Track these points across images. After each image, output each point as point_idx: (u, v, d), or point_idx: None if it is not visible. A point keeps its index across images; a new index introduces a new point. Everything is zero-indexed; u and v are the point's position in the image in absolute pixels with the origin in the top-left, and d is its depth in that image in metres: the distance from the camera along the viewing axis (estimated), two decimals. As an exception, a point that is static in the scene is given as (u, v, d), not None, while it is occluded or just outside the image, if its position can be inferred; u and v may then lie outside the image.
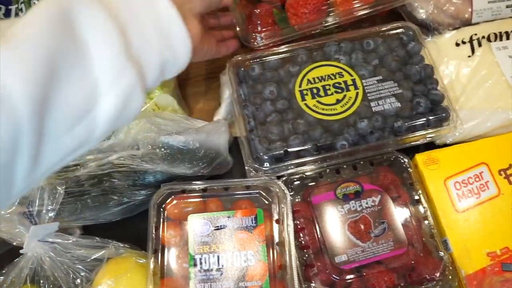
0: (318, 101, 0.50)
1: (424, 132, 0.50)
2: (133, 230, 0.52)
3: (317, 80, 0.52)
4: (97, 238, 0.50)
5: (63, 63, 0.30)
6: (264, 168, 0.48)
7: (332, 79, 0.52)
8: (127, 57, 0.33)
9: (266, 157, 0.48)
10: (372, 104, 0.50)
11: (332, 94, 0.51)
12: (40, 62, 0.29)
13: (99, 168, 0.52)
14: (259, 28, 0.54)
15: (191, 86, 0.62)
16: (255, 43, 0.53)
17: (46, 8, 0.31)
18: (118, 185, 0.51)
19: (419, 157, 0.52)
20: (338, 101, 0.50)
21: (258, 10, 0.54)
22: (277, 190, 0.48)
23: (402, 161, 0.51)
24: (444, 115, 0.51)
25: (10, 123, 0.27)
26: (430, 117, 0.50)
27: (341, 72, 0.52)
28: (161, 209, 0.48)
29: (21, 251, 0.48)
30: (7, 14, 0.58)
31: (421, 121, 0.50)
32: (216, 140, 0.52)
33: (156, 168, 0.50)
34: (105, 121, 0.33)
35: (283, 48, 0.54)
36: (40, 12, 0.31)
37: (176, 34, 0.38)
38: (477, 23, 0.58)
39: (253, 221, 0.46)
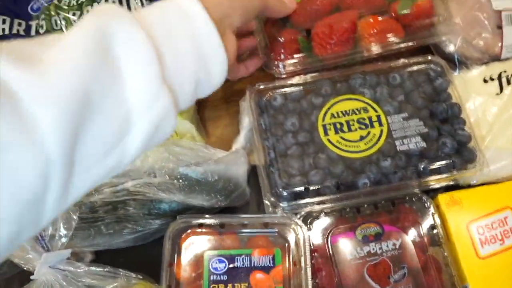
0: (341, 137, 0.49)
1: (449, 175, 0.49)
2: (146, 257, 0.51)
3: (341, 115, 0.50)
4: (108, 266, 0.49)
5: (97, 92, 0.29)
6: (282, 205, 0.47)
7: (356, 114, 0.50)
8: (162, 81, 0.32)
9: (286, 193, 0.47)
10: (397, 142, 0.49)
11: (356, 130, 0.49)
12: (74, 94, 0.27)
13: (114, 195, 0.51)
14: (283, 56, 0.52)
15: (210, 110, 0.61)
16: (278, 71, 0.52)
17: (82, 32, 0.30)
18: (133, 213, 0.50)
19: (442, 198, 0.50)
20: (362, 138, 0.49)
21: (283, 38, 0.52)
22: (296, 229, 0.46)
23: (424, 202, 0.50)
24: (470, 157, 0.49)
25: (40, 160, 0.26)
26: (456, 159, 0.49)
27: (366, 107, 0.51)
28: (177, 243, 0.47)
29: (31, 277, 0.47)
30: (27, 31, 0.57)
31: (446, 162, 0.49)
32: (235, 171, 0.51)
33: (173, 198, 0.49)
34: (136, 147, 0.32)
35: (306, 79, 0.53)
36: (76, 36, 0.30)
37: (213, 55, 0.36)
38: (507, 59, 0.56)
39: (271, 262, 0.45)
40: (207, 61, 0.36)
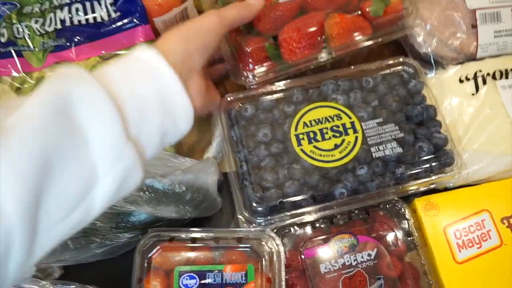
0: (315, 146, 0.48)
1: (427, 180, 0.48)
2: (117, 271, 0.50)
3: (313, 123, 0.49)
4: (76, 283, 0.47)
5: (59, 156, 0.29)
6: (257, 220, 0.46)
7: (330, 122, 0.49)
8: (126, 139, 0.32)
9: (260, 209, 0.46)
10: (373, 149, 0.48)
11: (330, 138, 0.48)
12: (33, 162, 0.28)
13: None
14: (251, 66, 0.50)
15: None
16: (247, 81, 0.50)
17: (42, 98, 0.30)
18: (100, 227, 0.49)
19: (418, 202, 0.50)
20: (336, 146, 0.48)
21: (249, 48, 0.49)
22: (270, 243, 0.45)
23: (399, 208, 0.49)
24: (448, 160, 0.49)
25: (1, 230, 0.26)
26: (433, 163, 0.48)
27: (339, 114, 0.49)
28: (147, 258, 0.46)
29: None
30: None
31: (424, 167, 0.48)
32: (205, 181, 0.50)
33: (141, 210, 0.48)
34: (101, 203, 0.32)
35: (277, 87, 0.51)
36: (36, 102, 0.30)
37: (178, 106, 0.37)
38: (482, 58, 0.56)
39: (243, 278, 0.44)
40: (173, 113, 0.36)
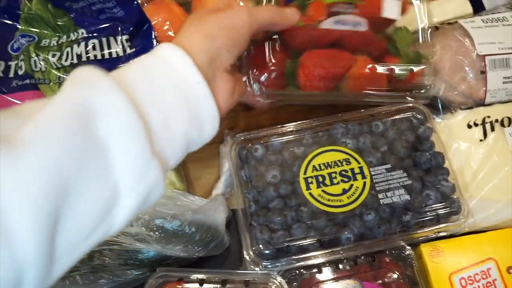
0: (323, 191, 0.48)
1: (433, 228, 0.48)
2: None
3: (323, 167, 0.50)
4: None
5: (79, 176, 0.27)
6: (264, 263, 0.46)
7: (338, 166, 0.50)
8: (151, 154, 0.30)
9: (267, 251, 0.46)
10: (380, 195, 0.48)
11: (338, 183, 0.49)
12: (51, 182, 0.25)
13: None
14: (263, 78, 0.48)
15: (191, 152, 0.60)
16: (251, 89, 0.48)
17: (62, 105, 0.28)
18: (109, 263, 0.49)
19: (424, 248, 0.50)
20: (344, 191, 0.48)
21: (272, 56, 0.47)
22: (277, 286, 0.46)
23: (405, 254, 0.49)
24: (455, 209, 0.49)
25: (15, 262, 0.24)
26: (440, 211, 0.49)
27: (348, 159, 0.50)
28: (155, 298, 0.46)
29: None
30: (5, 71, 0.56)
31: (431, 215, 0.48)
32: (214, 219, 0.50)
33: (149, 248, 0.48)
34: (121, 222, 0.30)
35: (287, 128, 0.52)
36: (54, 110, 0.28)
37: (205, 113, 0.35)
38: (491, 104, 0.56)
39: (251, 323, 0.44)
40: (199, 121, 0.34)
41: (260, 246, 0.47)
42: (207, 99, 0.35)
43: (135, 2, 0.54)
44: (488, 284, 0.49)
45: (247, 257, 0.47)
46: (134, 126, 0.29)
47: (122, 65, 0.55)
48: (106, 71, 0.31)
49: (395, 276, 0.48)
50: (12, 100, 0.54)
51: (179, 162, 0.35)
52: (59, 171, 0.26)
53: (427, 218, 0.48)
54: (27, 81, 0.55)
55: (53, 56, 0.56)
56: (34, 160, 0.25)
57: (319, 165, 0.50)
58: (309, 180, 0.49)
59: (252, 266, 0.47)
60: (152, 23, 0.55)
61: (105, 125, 0.28)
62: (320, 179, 0.49)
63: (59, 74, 0.55)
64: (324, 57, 0.48)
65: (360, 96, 0.51)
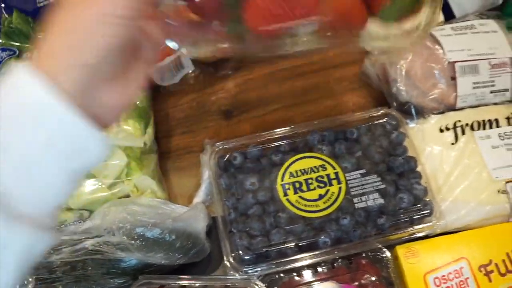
0: (300, 197, 0.50)
1: (407, 230, 0.50)
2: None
3: (299, 173, 0.51)
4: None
5: None
6: (244, 268, 0.47)
7: (315, 172, 0.51)
8: (11, 221, 0.26)
9: (247, 257, 0.47)
10: (355, 200, 0.50)
11: (314, 189, 0.50)
12: None
13: (73, 255, 0.51)
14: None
15: (172, 161, 0.61)
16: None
17: None
18: (91, 273, 0.50)
19: (400, 250, 0.52)
20: (321, 197, 0.50)
21: None
22: (257, 291, 0.47)
23: (381, 255, 0.51)
24: (427, 211, 0.51)
25: None
26: (413, 213, 0.50)
27: (324, 165, 0.52)
28: (137, 306, 0.47)
29: None
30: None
31: (404, 217, 0.50)
32: (194, 227, 0.52)
33: (131, 256, 0.49)
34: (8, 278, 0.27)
35: (265, 136, 0.54)
36: None
37: (85, 144, 0.29)
38: (462, 108, 0.58)
39: (230, 327, 0.45)
40: (79, 153, 0.29)
41: (240, 252, 0.48)
42: (85, 130, 0.28)
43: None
44: (461, 283, 0.51)
45: (228, 263, 0.48)
46: None
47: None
48: None
49: (372, 277, 0.50)
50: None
51: (69, 193, 0.31)
52: None
53: (401, 221, 0.50)
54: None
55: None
56: None
57: (296, 171, 0.51)
58: (287, 186, 0.50)
59: (232, 272, 0.48)
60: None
61: None
62: (297, 185, 0.51)
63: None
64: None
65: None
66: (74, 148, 0.28)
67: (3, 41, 0.58)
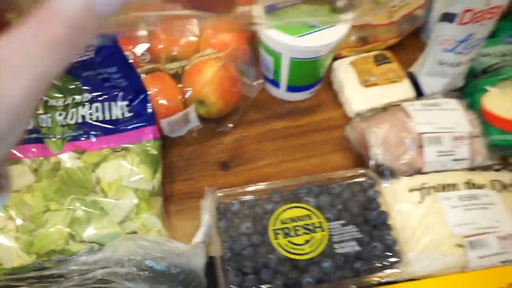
0: (289, 241, 0.58)
1: (379, 274, 0.58)
2: None
3: (289, 221, 0.59)
4: None
5: None
6: (237, 302, 0.54)
7: (302, 221, 0.59)
8: None
9: (240, 292, 0.54)
10: (336, 246, 0.58)
11: (301, 234, 0.58)
12: None
13: (83, 282, 0.56)
14: None
15: (175, 204, 0.68)
16: None
17: None
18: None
19: (373, 294, 0.59)
20: (306, 242, 0.58)
21: None
22: (247, 323, 0.53)
23: (357, 299, 0.58)
24: (396, 258, 0.59)
25: None
26: (385, 260, 0.58)
27: (310, 215, 0.60)
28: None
29: None
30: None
31: (377, 263, 0.58)
32: (195, 263, 0.58)
33: (138, 287, 0.55)
34: None
35: (260, 187, 0.62)
36: None
37: None
38: (428, 173, 0.68)
39: None
40: None
41: (233, 286, 0.55)
42: None
43: (137, 75, 0.64)
44: (424, 325, 0.58)
45: (222, 298, 0.55)
46: None
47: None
48: None
49: (347, 316, 0.57)
50: (17, 152, 0.62)
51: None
52: None
53: (374, 266, 0.58)
54: (34, 135, 0.63)
55: (60, 115, 0.64)
56: None
57: (286, 219, 0.59)
58: (277, 231, 0.58)
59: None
60: (148, 92, 0.65)
61: None
62: (287, 231, 0.58)
63: (63, 130, 0.64)
64: None
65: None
66: None
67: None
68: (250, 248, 0.57)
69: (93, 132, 0.64)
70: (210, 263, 0.61)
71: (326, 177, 0.64)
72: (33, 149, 0.63)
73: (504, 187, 0.69)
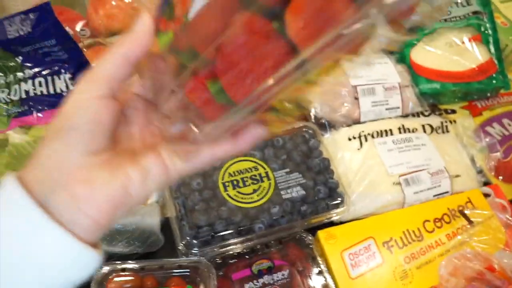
0: (238, 191, 0.61)
1: (325, 214, 0.62)
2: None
3: (236, 173, 0.62)
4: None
5: None
6: (193, 251, 0.57)
7: (249, 172, 0.63)
8: None
9: (195, 242, 0.57)
10: (282, 192, 0.62)
11: (249, 185, 0.62)
12: None
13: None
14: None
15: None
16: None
17: None
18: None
19: (321, 234, 0.64)
20: (254, 191, 0.61)
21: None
22: (204, 269, 0.56)
23: (306, 238, 0.62)
24: (339, 199, 0.64)
25: None
26: (329, 202, 0.63)
27: (257, 166, 0.63)
28: (103, 286, 0.55)
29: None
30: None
31: (322, 205, 0.63)
32: (150, 221, 0.60)
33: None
34: None
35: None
36: None
37: (64, 259, 0.28)
38: (364, 122, 0.73)
39: (184, 298, 0.54)
40: (60, 269, 0.28)
41: (188, 238, 0.58)
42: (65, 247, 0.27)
43: (77, 47, 0.65)
44: (369, 256, 0.63)
45: (180, 247, 0.58)
46: None
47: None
48: None
49: (298, 255, 0.61)
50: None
51: None
52: None
53: (319, 207, 0.62)
54: (-23, 114, 0.63)
55: (2, 92, 0.65)
56: None
57: (234, 172, 0.62)
58: (226, 184, 0.61)
59: (184, 256, 0.58)
60: (92, 65, 0.66)
61: None
62: (235, 182, 0.62)
63: (7, 107, 0.64)
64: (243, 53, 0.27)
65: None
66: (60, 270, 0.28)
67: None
68: (202, 203, 0.60)
69: (39, 107, 0.64)
70: (167, 223, 0.63)
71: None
72: (-23, 128, 0.63)
73: (433, 129, 0.75)
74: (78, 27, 0.73)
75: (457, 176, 0.71)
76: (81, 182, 0.28)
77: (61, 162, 0.28)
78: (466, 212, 0.68)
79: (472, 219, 0.67)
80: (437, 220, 0.67)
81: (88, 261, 0.28)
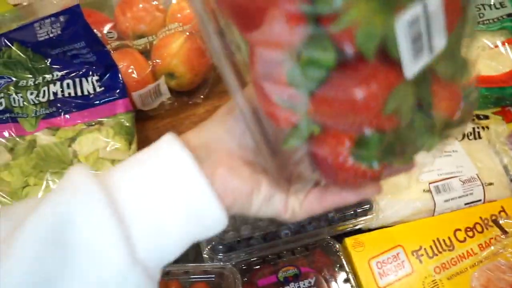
0: (264, 196, 0.60)
1: (353, 221, 0.61)
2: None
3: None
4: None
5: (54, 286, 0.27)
6: (219, 257, 0.56)
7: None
8: (130, 263, 0.28)
9: (220, 247, 0.56)
10: (309, 198, 0.61)
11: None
12: None
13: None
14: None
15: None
16: None
17: (43, 215, 0.28)
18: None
19: (348, 241, 0.62)
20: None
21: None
22: (230, 275, 0.55)
23: (333, 245, 0.61)
24: (368, 206, 0.62)
25: None
26: (357, 208, 0.61)
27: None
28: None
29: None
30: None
31: (350, 212, 0.61)
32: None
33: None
34: None
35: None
36: (36, 221, 0.28)
37: (209, 216, 0.32)
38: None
39: (209, 304, 0.53)
40: (202, 223, 0.32)
41: (214, 243, 0.57)
42: (211, 205, 0.31)
43: (105, 49, 0.65)
44: (398, 265, 0.62)
45: (205, 254, 0.57)
46: (109, 236, 0.28)
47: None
48: (97, 174, 0.31)
49: (325, 262, 0.60)
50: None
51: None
52: (26, 280, 0.27)
53: (347, 214, 0.61)
54: (7, 115, 0.64)
55: (31, 94, 0.65)
56: (7, 268, 0.26)
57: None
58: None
59: (209, 262, 0.57)
60: (119, 67, 0.66)
61: (78, 236, 0.28)
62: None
63: (35, 109, 0.64)
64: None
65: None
66: (196, 217, 0.31)
67: (1, 70, 0.66)
68: (228, 206, 0.59)
69: (66, 109, 0.65)
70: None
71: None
72: (8, 129, 0.64)
73: (465, 135, 0.73)
74: (106, 29, 0.74)
75: (490, 184, 0.69)
76: (225, 165, 0.32)
77: (216, 142, 0.33)
78: (500, 221, 0.65)
79: (506, 229, 0.65)
80: (468, 229, 0.65)
81: (217, 223, 0.33)
